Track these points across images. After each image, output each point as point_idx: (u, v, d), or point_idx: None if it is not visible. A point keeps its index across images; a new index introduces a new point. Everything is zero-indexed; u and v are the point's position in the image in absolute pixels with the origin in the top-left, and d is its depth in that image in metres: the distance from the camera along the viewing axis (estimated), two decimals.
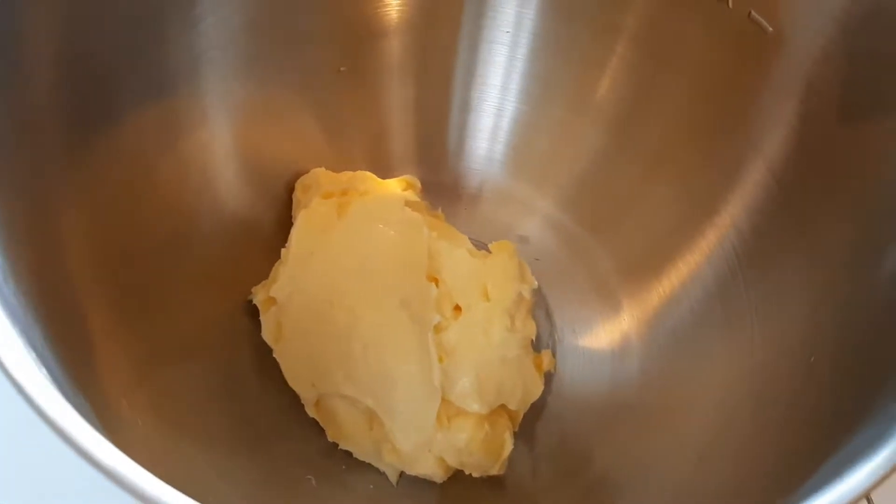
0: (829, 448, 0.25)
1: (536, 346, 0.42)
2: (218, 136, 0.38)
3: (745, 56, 0.35)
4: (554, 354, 0.43)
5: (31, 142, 0.28)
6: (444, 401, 0.36)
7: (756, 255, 0.37)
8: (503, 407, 0.38)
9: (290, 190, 0.43)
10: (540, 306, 0.44)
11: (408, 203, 0.39)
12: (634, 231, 0.43)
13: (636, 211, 0.43)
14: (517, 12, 0.41)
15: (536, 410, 0.40)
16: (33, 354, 0.22)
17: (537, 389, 0.38)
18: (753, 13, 0.34)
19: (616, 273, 0.43)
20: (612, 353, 0.42)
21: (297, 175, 0.42)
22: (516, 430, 0.39)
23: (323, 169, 0.43)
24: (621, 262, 0.44)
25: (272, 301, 0.39)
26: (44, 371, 0.22)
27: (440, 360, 0.36)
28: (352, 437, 0.38)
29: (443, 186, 0.45)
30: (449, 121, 0.45)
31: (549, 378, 0.42)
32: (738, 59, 0.36)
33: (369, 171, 0.42)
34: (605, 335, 0.43)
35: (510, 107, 0.44)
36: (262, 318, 0.39)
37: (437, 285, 0.37)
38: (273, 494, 0.36)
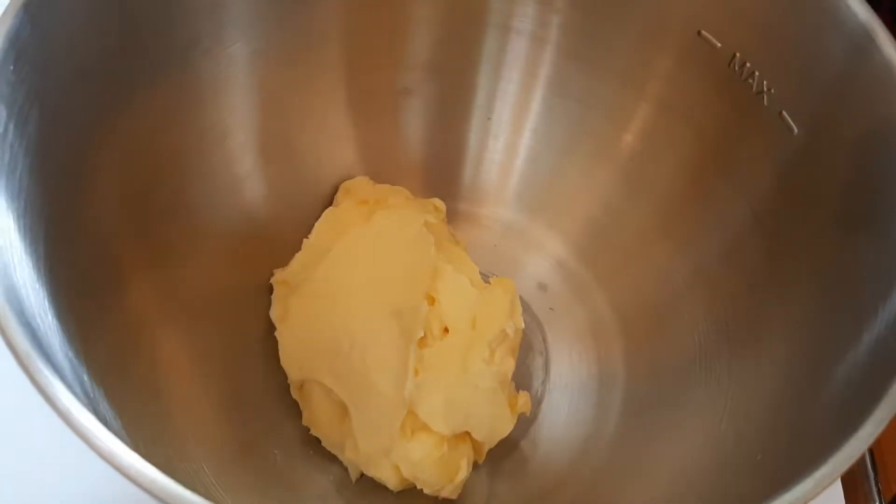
0: None
1: (524, 389, 0.43)
2: (270, 129, 0.42)
3: (768, 146, 0.36)
4: (540, 403, 0.44)
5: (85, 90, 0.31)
6: (412, 413, 0.38)
7: (742, 328, 0.38)
8: (468, 435, 0.39)
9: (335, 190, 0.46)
10: (541, 353, 0.46)
11: (427, 224, 0.41)
12: (636, 286, 0.44)
13: (640, 266, 0.44)
14: (542, 59, 0.44)
15: (506, 449, 0.41)
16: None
17: (506, 427, 0.39)
18: (784, 113, 0.35)
19: (617, 333, 0.44)
20: (595, 414, 0.43)
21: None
22: (480, 461, 0.41)
23: (367, 178, 0.46)
24: (622, 320, 0.45)
25: (285, 284, 0.42)
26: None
27: (416, 373, 0.38)
28: (323, 425, 0.40)
29: (461, 215, 0.48)
30: (466, 154, 0.48)
31: (527, 423, 0.43)
32: (761, 145, 0.37)
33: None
34: (592, 395, 0.44)
35: (529, 147, 0.47)
36: (272, 297, 0.42)
37: (431, 304, 0.39)
38: (238, 461, 0.38)
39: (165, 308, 0.37)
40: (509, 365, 0.39)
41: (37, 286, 0.26)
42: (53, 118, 0.28)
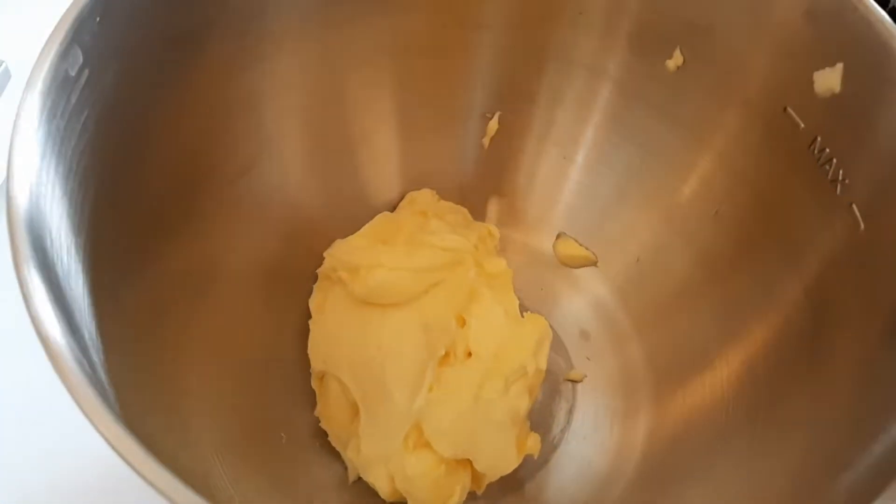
0: None
1: (542, 434, 0.42)
2: (325, 133, 0.44)
3: (832, 233, 0.35)
4: (555, 449, 0.43)
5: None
6: (418, 428, 0.38)
7: (769, 414, 0.36)
8: (469, 463, 0.39)
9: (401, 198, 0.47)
10: (567, 400, 0.45)
11: (476, 247, 0.42)
12: (673, 344, 0.43)
13: (679, 322, 0.43)
14: (602, 96, 0.44)
15: (509, 486, 0.41)
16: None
17: (509, 464, 0.39)
18: (854, 207, 0.34)
19: (647, 394, 0.43)
20: (607, 474, 0.42)
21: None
22: (479, 492, 0.40)
23: (433, 192, 0.46)
24: (655, 380, 0.44)
25: (328, 279, 0.43)
26: None
27: (430, 389, 0.38)
28: (333, 420, 0.41)
29: (513, 244, 0.48)
30: (522, 184, 0.48)
31: (537, 466, 0.42)
32: (824, 231, 0.35)
33: None
34: (608, 454, 0.43)
35: (584, 184, 0.47)
36: (315, 286, 0.43)
37: (461, 325, 0.40)
38: (246, 436, 0.39)
39: (196, 284, 0.38)
40: (523, 402, 0.39)
41: (72, 249, 0.27)
42: (127, 75, 0.30)
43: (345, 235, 0.44)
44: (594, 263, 0.47)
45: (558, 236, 0.48)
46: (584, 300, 0.48)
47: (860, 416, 0.30)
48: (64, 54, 0.26)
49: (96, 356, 0.26)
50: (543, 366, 0.40)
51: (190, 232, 0.37)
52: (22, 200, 0.24)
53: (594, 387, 0.45)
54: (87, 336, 0.25)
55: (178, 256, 0.36)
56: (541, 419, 0.44)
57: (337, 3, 0.39)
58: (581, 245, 0.47)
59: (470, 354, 0.39)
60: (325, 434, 0.41)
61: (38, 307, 0.22)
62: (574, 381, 0.45)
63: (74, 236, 0.27)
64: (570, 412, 0.45)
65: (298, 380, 0.43)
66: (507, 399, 0.38)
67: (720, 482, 0.36)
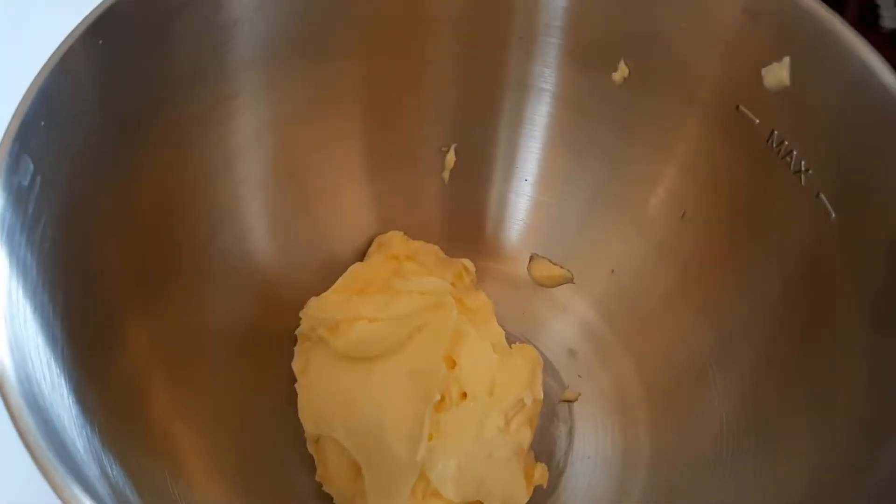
0: None
1: (546, 460, 0.42)
2: (287, 185, 0.43)
3: (803, 226, 0.35)
4: (561, 474, 0.43)
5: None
6: (424, 478, 0.37)
7: (768, 419, 0.36)
8: None
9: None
10: (565, 422, 0.45)
11: (454, 285, 0.41)
12: (663, 355, 0.43)
13: (665, 332, 0.43)
14: (563, 117, 0.44)
15: None
16: None
17: (520, 499, 0.38)
18: (822, 196, 0.34)
19: (643, 406, 0.43)
20: (616, 493, 0.42)
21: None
22: None
23: (401, 234, 0.46)
24: (649, 391, 0.43)
25: (308, 339, 0.42)
26: None
27: (430, 437, 0.37)
28: (336, 482, 0.40)
29: (488, 273, 0.48)
30: (490, 212, 0.48)
31: (545, 494, 0.42)
32: (795, 224, 0.35)
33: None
34: (615, 470, 0.42)
35: (553, 205, 0.47)
36: (296, 348, 0.43)
37: (452, 367, 0.39)
38: None
39: (175, 357, 0.37)
40: (526, 435, 0.38)
41: (52, 362, 0.26)
42: (78, 173, 0.29)
43: (319, 292, 0.43)
44: (571, 280, 0.47)
45: (531, 258, 0.48)
46: (566, 319, 0.47)
47: (867, 414, 0.30)
48: (14, 167, 0.25)
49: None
50: (540, 395, 0.39)
51: (162, 307, 0.36)
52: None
53: (590, 404, 0.45)
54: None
55: (153, 335, 0.36)
56: (543, 446, 0.43)
57: (273, 67, 0.39)
58: (555, 264, 0.47)
59: (465, 395, 0.39)
60: (329, 498, 0.40)
61: (35, 446, 0.21)
62: (569, 402, 0.45)
63: (51, 349, 0.26)
64: (570, 434, 0.44)
65: (294, 444, 0.42)
66: (509, 435, 0.38)
67: (732, 496, 0.37)
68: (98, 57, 0.30)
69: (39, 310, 0.26)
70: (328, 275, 0.44)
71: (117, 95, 0.31)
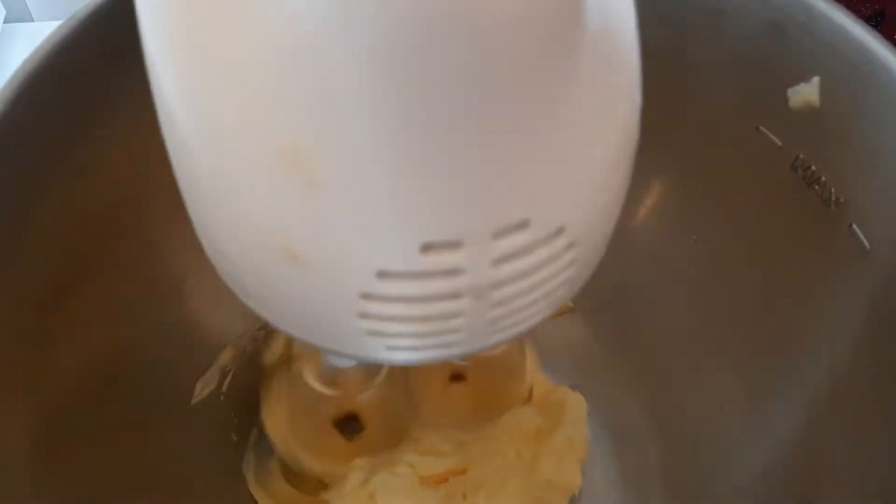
0: None
1: None
2: None
3: (838, 262, 0.32)
4: None
5: None
6: None
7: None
8: None
9: None
10: None
11: None
12: (674, 389, 0.41)
13: (676, 366, 0.41)
14: None
15: None
16: None
17: None
18: (855, 227, 0.31)
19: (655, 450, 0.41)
20: None
21: None
22: None
23: None
24: (660, 428, 0.41)
25: None
26: None
27: None
28: None
29: None
30: None
31: None
32: (830, 260, 0.33)
33: None
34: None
35: None
36: None
37: None
38: None
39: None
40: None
41: None
42: None
43: None
44: (570, 310, 0.44)
45: None
46: (568, 349, 0.44)
47: None
48: None
49: None
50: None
51: None
52: None
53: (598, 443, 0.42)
54: None
55: None
56: None
57: None
58: None
59: None
60: None
61: None
62: None
63: None
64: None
65: None
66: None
67: None
68: None
69: None
70: None
71: None
